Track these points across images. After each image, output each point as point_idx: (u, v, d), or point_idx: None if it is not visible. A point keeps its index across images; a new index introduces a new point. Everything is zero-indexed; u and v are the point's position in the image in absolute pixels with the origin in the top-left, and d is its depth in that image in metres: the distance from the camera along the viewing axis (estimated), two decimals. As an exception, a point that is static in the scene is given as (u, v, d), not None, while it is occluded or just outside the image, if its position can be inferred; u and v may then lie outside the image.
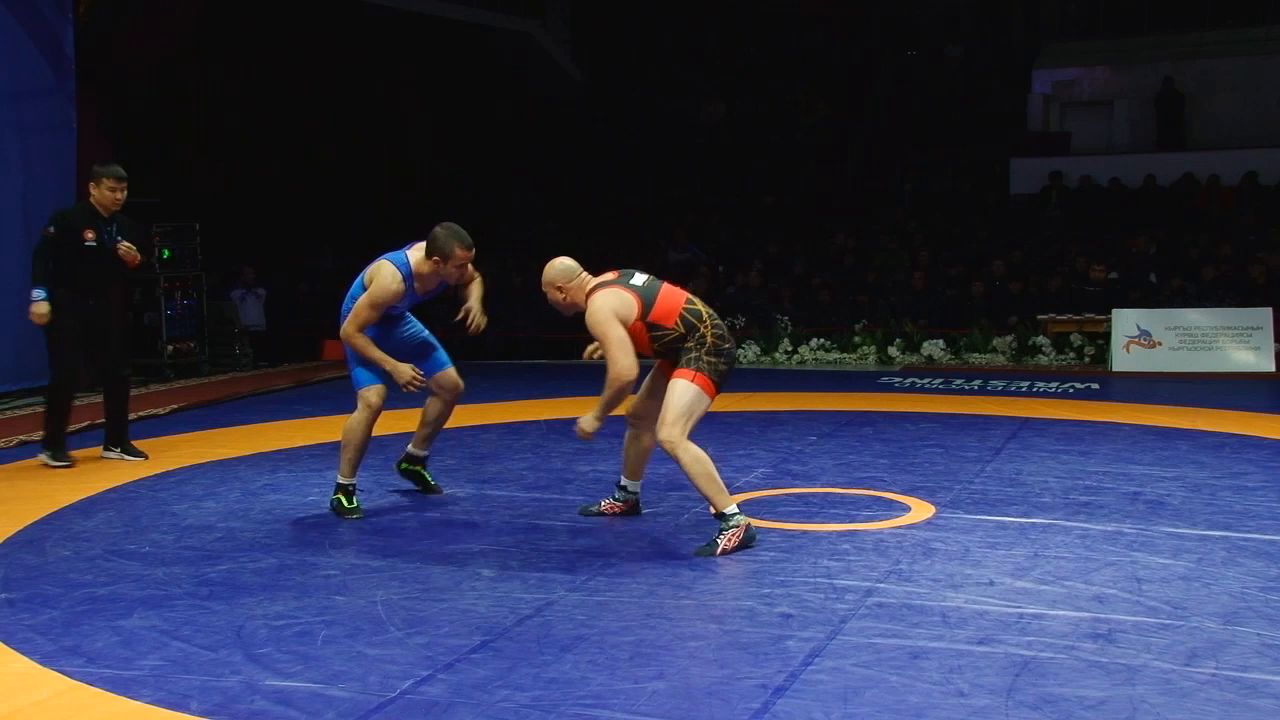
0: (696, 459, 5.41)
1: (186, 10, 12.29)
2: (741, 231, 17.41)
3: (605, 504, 6.26)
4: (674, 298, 5.63)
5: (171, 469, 7.63)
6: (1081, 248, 14.94)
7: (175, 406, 10.35)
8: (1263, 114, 18.20)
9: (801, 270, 15.58)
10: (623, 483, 6.22)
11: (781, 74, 20.53)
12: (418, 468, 6.78)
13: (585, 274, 5.73)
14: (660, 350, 5.66)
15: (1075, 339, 12.93)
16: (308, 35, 16.69)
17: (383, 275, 6.05)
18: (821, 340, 13.68)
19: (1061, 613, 4.49)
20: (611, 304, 5.50)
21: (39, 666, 4.13)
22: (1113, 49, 19.51)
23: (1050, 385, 11.25)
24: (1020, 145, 18.76)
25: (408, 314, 6.49)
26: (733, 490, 6.59)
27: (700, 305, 5.69)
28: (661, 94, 20.49)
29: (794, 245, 16.57)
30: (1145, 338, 12.32)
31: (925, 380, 11.82)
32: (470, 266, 6.24)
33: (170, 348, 12.66)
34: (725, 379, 5.60)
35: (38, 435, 8.87)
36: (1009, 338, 13.15)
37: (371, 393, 6.20)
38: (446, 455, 7.79)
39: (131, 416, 9.73)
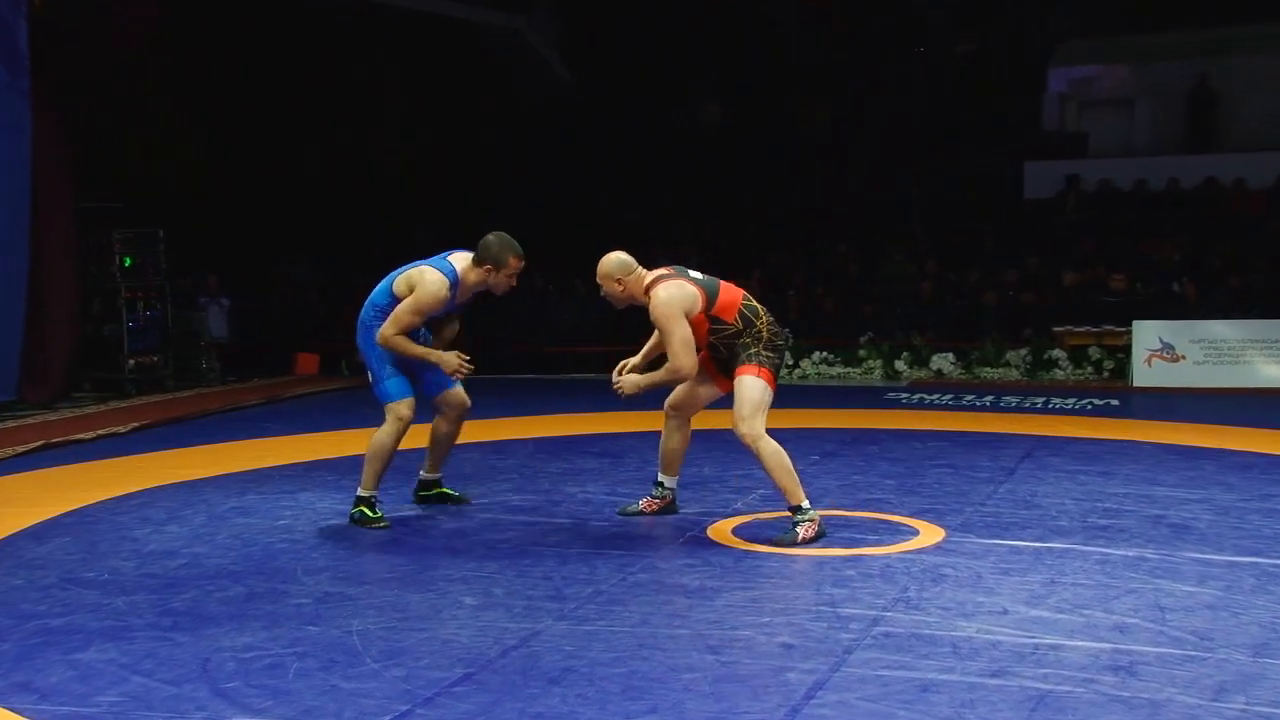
0: (775, 452, 5.95)
1: (150, 4, 12.29)
2: (740, 239, 17.44)
3: (644, 502, 6.68)
4: (733, 293, 6.11)
5: (133, 491, 7.60)
6: (1100, 255, 14.97)
7: (137, 424, 10.33)
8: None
9: (804, 280, 15.60)
10: (659, 479, 6.63)
11: (781, 75, 20.57)
12: (436, 490, 6.99)
13: (640, 267, 6.15)
14: (714, 343, 6.10)
15: (1093, 352, 12.96)
16: (283, 31, 16.68)
17: (429, 281, 6.33)
18: (825, 353, 13.70)
19: (1080, 643, 4.49)
20: (678, 298, 5.94)
21: (-10, 702, 4.11)
22: (1133, 45, 19.55)
23: (1067, 401, 11.27)
24: (1035, 147, 18.80)
25: (421, 328, 6.64)
26: (730, 512, 6.65)
27: (755, 302, 6.20)
28: (655, 96, 20.51)
29: (795, 254, 16.60)
30: (1168, 351, 12.35)
31: (934, 396, 11.84)
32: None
33: (132, 361, 12.64)
34: (779, 371, 6.14)
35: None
36: (1023, 351, 13.17)
37: (403, 406, 6.46)
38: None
39: (91, 435, 9.77)
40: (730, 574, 5.50)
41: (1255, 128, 18.47)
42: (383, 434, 6.49)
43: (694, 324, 5.99)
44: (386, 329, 6.32)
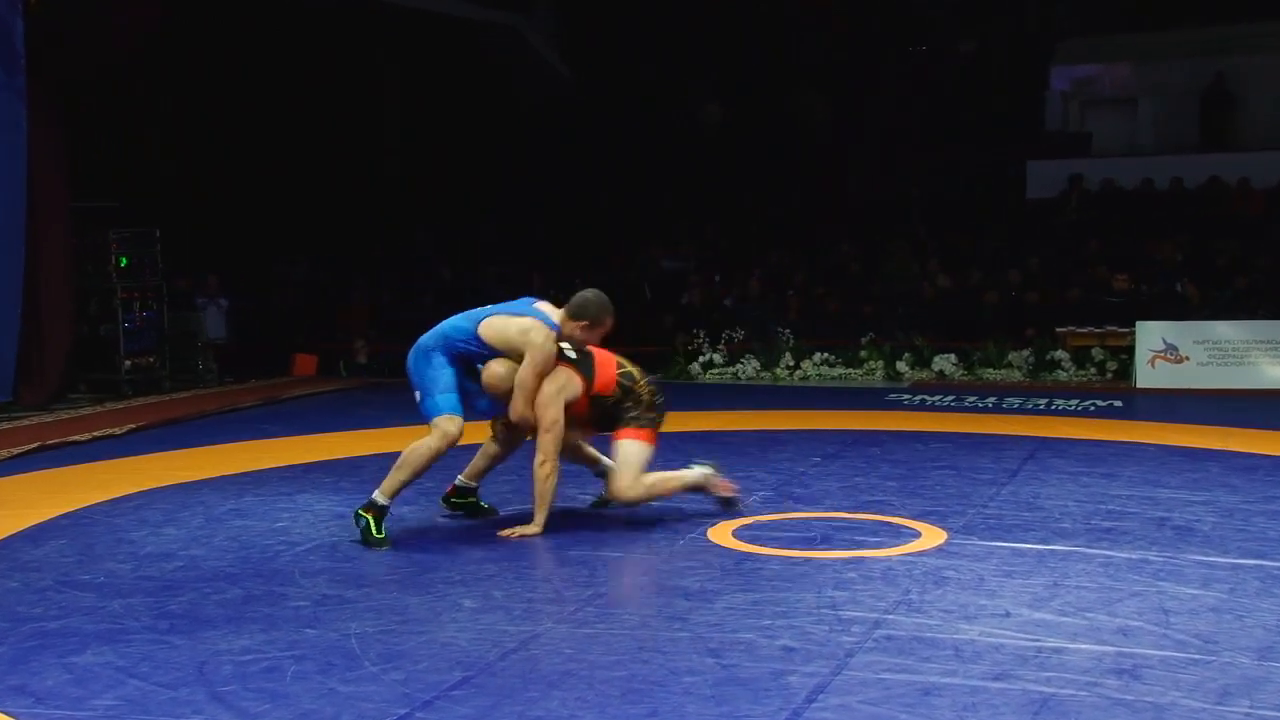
0: (650, 486, 6.33)
1: (150, 4, 12.27)
2: (740, 239, 17.44)
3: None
4: (608, 366, 6.31)
5: (129, 493, 7.59)
6: (1103, 255, 14.96)
7: (133, 426, 10.32)
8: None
9: (804, 280, 15.60)
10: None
11: (781, 75, 20.58)
12: (469, 500, 6.75)
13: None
14: (594, 417, 6.32)
15: (1096, 353, 12.95)
16: (283, 31, 16.67)
17: (541, 338, 6.09)
18: (825, 354, 13.68)
19: (1083, 647, 4.48)
20: (563, 385, 6.12)
21: (-16, 706, 4.10)
22: (1136, 44, 19.52)
23: (1070, 403, 11.25)
24: (1037, 146, 18.79)
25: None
26: (731, 515, 6.62)
27: (630, 366, 6.41)
28: (655, 96, 20.52)
29: (795, 254, 16.59)
30: (1172, 352, 12.33)
31: (936, 397, 11.82)
32: None
33: (128, 362, 12.62)
34: (659, 427, 6.43)
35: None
36: (1025, 352, 13.16)
37: (452, 422, 6.16)
38: (426, 477, 7.75)
39: (86, 436, 9.76)
40: (730, 576, 5.49)
41: (1257, 128, 18.45)
42: (423, 444, 6.14)
43: (578, 408, 6.20)
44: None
